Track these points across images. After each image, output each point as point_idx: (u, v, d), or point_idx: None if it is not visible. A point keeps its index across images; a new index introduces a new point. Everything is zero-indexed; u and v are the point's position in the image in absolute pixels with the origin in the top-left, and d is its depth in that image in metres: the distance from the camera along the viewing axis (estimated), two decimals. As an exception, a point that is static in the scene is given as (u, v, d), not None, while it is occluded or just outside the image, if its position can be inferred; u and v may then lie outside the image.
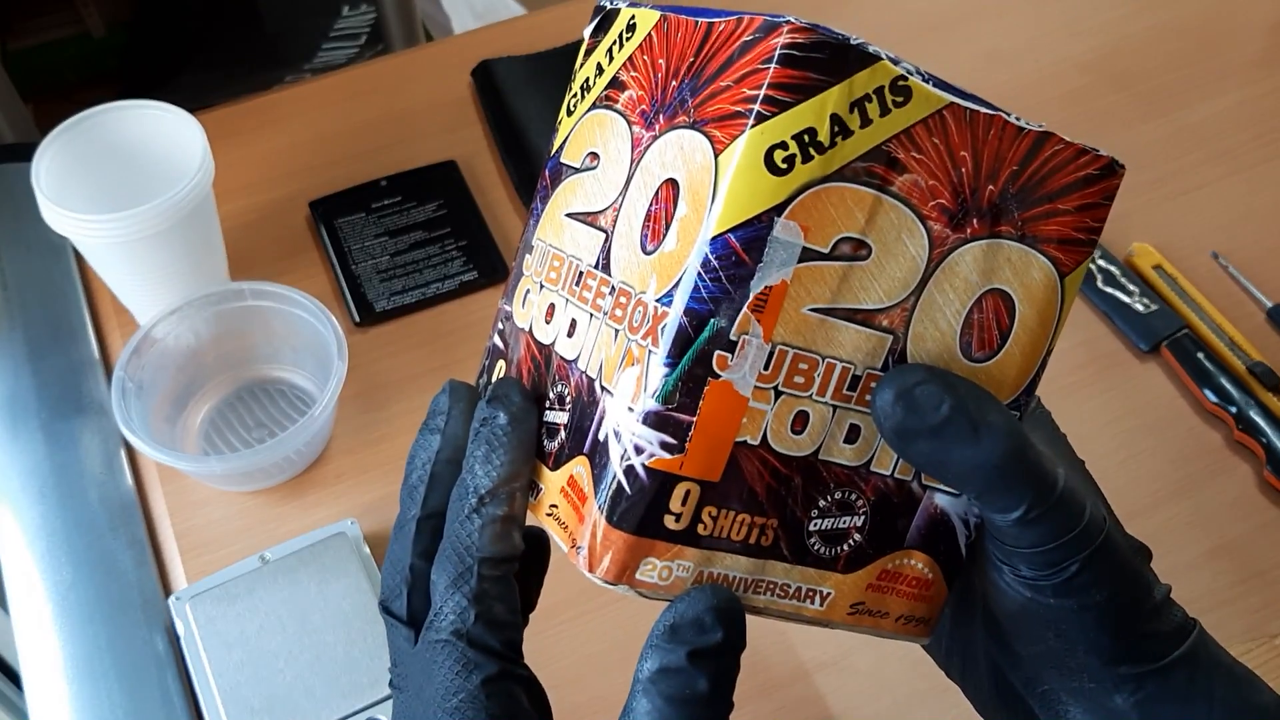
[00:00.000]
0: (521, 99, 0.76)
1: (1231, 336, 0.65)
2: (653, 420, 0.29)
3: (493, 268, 0.69)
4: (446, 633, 0.30)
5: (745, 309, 0.28)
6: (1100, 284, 0.67)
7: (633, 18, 0.33)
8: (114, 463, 0.61)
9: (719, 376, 0.29)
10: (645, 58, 0.32)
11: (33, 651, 0.55)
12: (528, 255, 0.36)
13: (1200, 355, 0.64)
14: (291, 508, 0.60)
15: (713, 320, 0.28)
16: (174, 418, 0.62)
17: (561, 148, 0.35)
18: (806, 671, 0.54)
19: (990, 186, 0.30)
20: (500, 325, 0.36)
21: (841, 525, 0.32)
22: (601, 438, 0.30)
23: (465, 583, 0.30)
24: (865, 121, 0.28)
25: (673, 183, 0.30)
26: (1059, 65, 0.80)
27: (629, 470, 0.29)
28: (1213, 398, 0.63)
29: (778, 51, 0.27)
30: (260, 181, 0.74)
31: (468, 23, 1.58)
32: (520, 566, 0.32)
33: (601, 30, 0.34)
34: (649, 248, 0.30)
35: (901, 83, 0.28)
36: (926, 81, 0.29)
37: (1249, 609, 0.56)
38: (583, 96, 0.35)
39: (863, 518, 0.32)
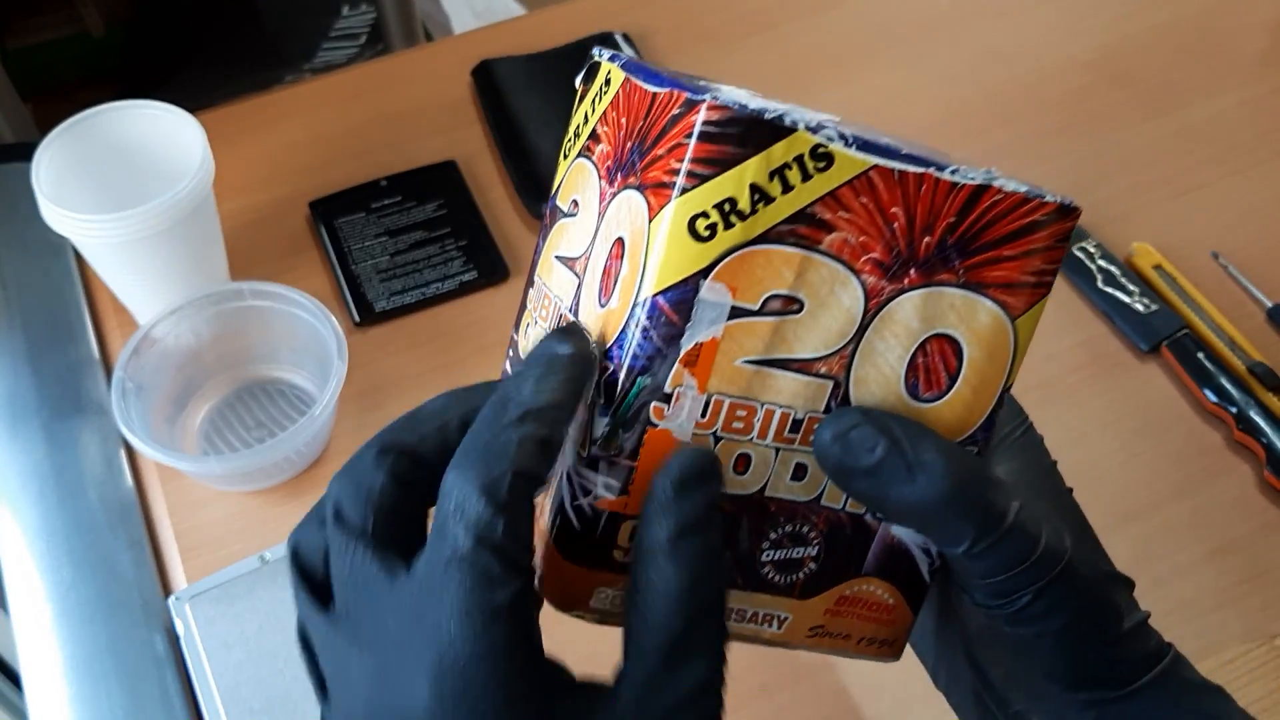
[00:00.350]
0: (521, 99, 0.76)
1: (1231, 336, 0.65)
2: (597, 465, 0.31)
3: (492, 267, 0.69)
4: (468, 542, 0.25)
5: (678, 364, 0.30)
6: (1100, 284, 0.67)
7: (609, 73, 0.35)
8: (114, 463, 0.61)
9: (656, 425, 0.30)
10: (613, 114, 0.34)
11: (32, 651, 0.55)
12: (530, 290, 0.38)
13: (1200, 355, 0.64)
14: (291, 508, 0.60)
15: (649, 375, 0.30)
16: (174, 418, 0.62)
17: (557, 190, 0.37)
18: (807, 672, 0.54)
19: (927, 239, 0.31)
20: (510, 354, 0.39)
21: (795, 555, 0.34)
22: (557, 476, 0.32)
23: (497, 491, 0.26)
24: (787, 188, 0.30)
25: (620, 241, 0.32)
26: (1059, 65, 0.80)
27: (577, 509, 0.31)
28: (1213, 398, 0.63)
29: (696, 128, 0.29)
30: (260, 181, 0.74)
31: (468, 22, 1.58)
32: None
33: (589, 79, 0.36)
34: (602, 301, 0.32)
35: (821, 149, 0.30)
36: (849, 146, 0.30)
37: (1249, 609, 0.56)
38: (574, 142, 0.36)
39: (816, 548, 0.34)
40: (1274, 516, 0.59)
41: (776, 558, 0.33)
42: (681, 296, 0.30)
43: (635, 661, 0.27)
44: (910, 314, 0.32)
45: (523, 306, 0.38)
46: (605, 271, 0.32)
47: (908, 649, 0.37)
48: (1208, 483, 0.61)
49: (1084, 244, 0.69)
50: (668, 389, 0.30)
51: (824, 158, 0.30)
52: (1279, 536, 0.59)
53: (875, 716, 0.53)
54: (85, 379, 0.64)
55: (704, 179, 0.29)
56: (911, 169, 0.31)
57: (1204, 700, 0.32)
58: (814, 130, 0.29)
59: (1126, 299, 0.66)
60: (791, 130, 0.29)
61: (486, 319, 0.67)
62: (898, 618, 0.35)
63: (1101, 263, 0.68)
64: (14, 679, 0.84)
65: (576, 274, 0.34)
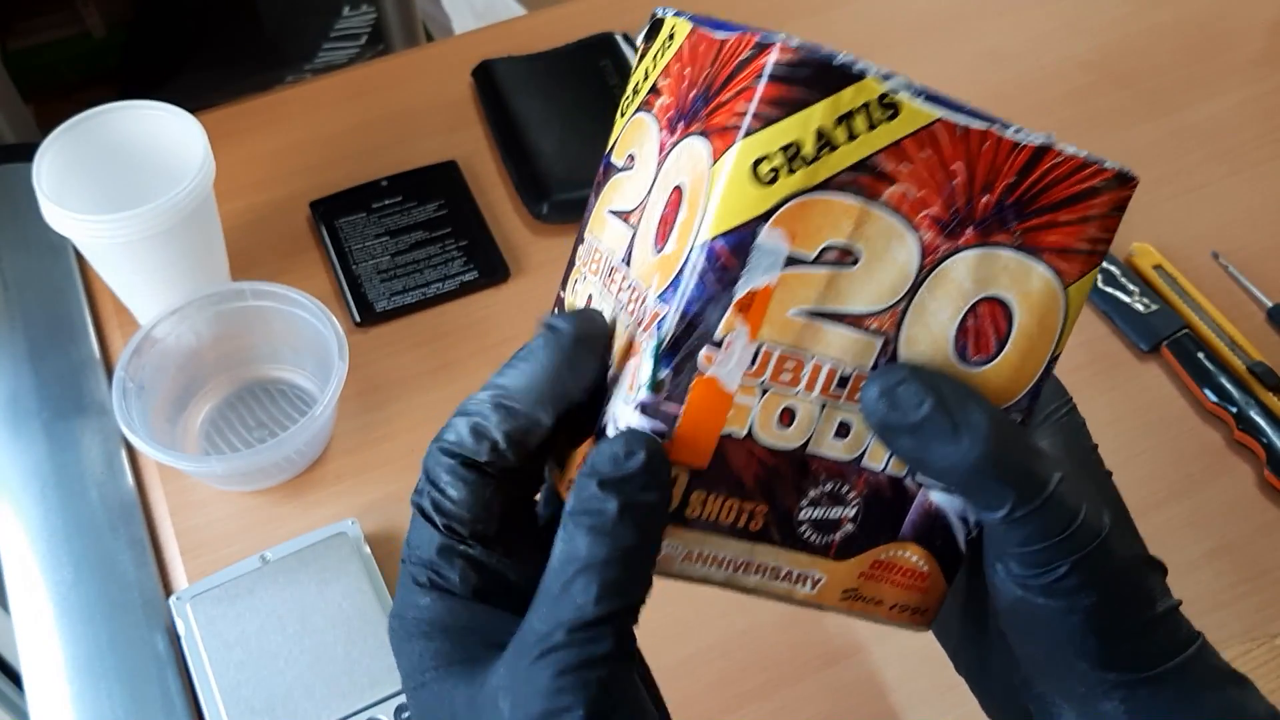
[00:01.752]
0: (522, 99, 0.76)
1: (1231, 336, 0.65)
2: (643, 408, 0.30)
3: (493, 267, 0.69)
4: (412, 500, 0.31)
5: (731, 310, 0.30)
6: (1100, 284, 0.67)
7: (673, 27, 0.35)
8: (115, 462, 0.61)
9: (705, 372, 0.30)
10: (677, 66, 0.34)
11: (33, 651, 0.55)
12: (579, 246, 0.38)
13: (1200, 355, 0.64)
14: (292, 508, 0.60)
15: (701, 319, 0.30)
16: (175, 417, 0.62)
17: (612, 148, 0.37)
18: (807, 671, 0.54)
19: (986, 197, 0.31)
20: (554, 311, 0.39)
21: (832, 515, 0.34)
22: (604, 424, 0.32)
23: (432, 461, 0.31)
24: (851, 136, 0.30)
25: (679, 189, 0.31)
26: (1060, 64, 0.80)
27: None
28: (1213, 398, 0.63)
29: (767, 69, 0.29)
30: (261, 181, 0.74)
31: (468, 23, 1.58)
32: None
33: (651, 36, 0.36)
34: (657, 247, 0.32)
35: (888, 99, 0.30)
36: (917, 96, 0.30)
37: (1249, 609, 0.56)
38: (632, 99, 0.36)
39: (855, 509, 0.33)
40: (1274, 516, 0.59)
41: (814, 516, 0.33)
42: (739, 240, 0.30)
43: (532, 618, 0.29)
44: (964, 274, 0.32)
45: (571, 264, 0.38)
46: (662, 219, 0.32)
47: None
48: (1208, 483, 0.61)
49: (1084, 244, 0.69)
50: (718, 335, 0.30)
51: (890, 107, 0.30)
52: (1279, 536, 0.59)
53: (875, 716, 0.53)
54: (86, 379, 0.64)
55: (770, 121, 0.29)
56: (975, 124, 0.31)
57: (1229, 688, 0.32)
58: (884, 78, 0.29)
59: (1126, 299, 0.66)
60: (860, 77, 0.29)
61: (487, 319, 0.67)
62: (931, 586, 0.35)
63: (1102, 262, 0.68)
64: (15, 679, 0.85)
65: (630, 225, 0.34)
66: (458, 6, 1.60)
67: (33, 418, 0.63)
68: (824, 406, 0.32)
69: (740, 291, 0.30)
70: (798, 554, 0.33)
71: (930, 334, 0.32)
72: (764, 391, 0.31)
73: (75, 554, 0.58)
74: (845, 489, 0.33)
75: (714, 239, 0.30)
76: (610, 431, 0.31)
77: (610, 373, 0.32)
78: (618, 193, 0.36)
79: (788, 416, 0.32)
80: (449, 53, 0.82)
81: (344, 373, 0.57)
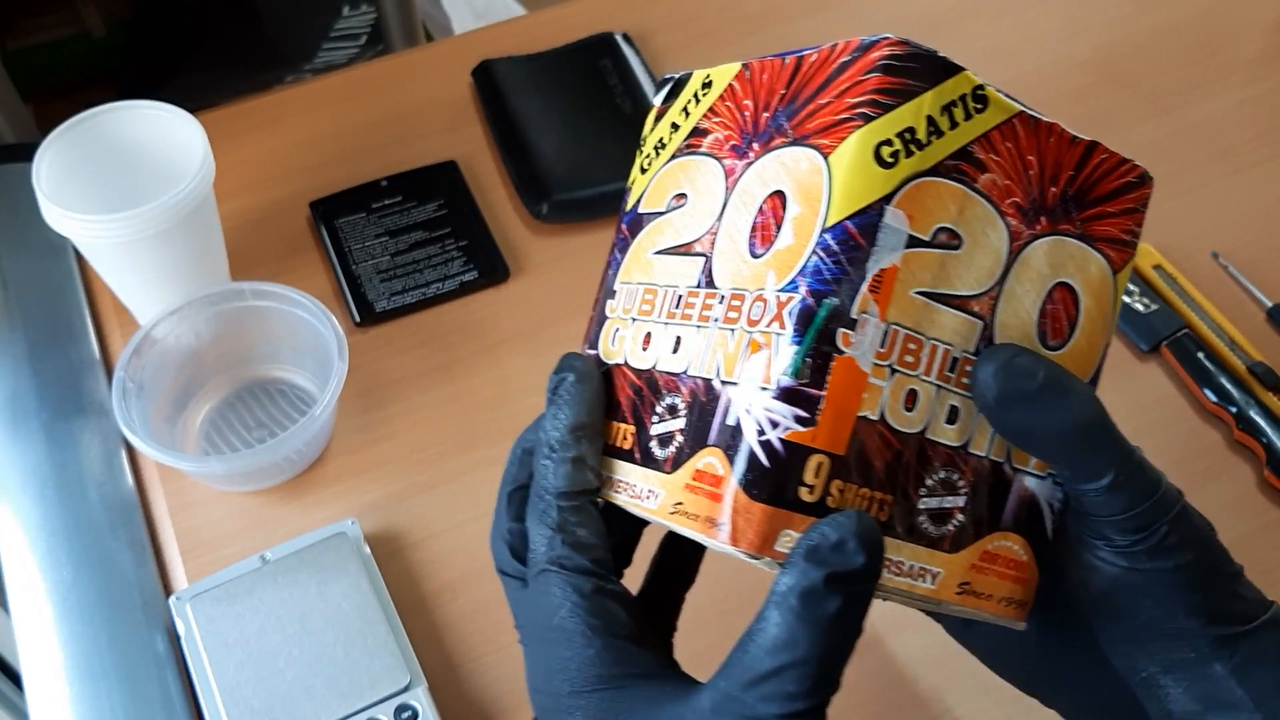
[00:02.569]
0: (522, 99, 0.76)
1: (1231, 336, 0.65)
2: (785, 395, 0.31)
3: (492, 267, 0.69)
4: (542, 563, 0.34)
5: (864, 288, 0.31)
6: (1100, 284, 0.67)
7: (708, 77, 0.37)
8: (114, 463, 0.61)
9: (843, 352, 0.31)
10: (729, 103, 0.36)
11: (33, 651, 0.55)
12: (610, 300, 0.40)
13: (1200, 355, 0.64)
14: (292, 508, 0.60)
15: (835, 299, 0.31)
16: (174, 418, 0.62)
17: (639, 201, 0.39)
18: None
19: (1053, 188, 0.34)
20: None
21: (946, 505, 0.35)
22: (732, 422, 0.33)
23: (548, 517, 0.34)
24: (953, 124, 0.32)
25: (779, 193, 0.33)
26: (1060, 64, 0.80)
27: (765, 444, 0.31)
28: (1213, 398, 0.63)
29: (879, 62, 0.32)
30: (261, 182, 0.74)
31: (468, 23, 1.58)
32: (661, 581, 0.38)
33: (672, 97, 0.39)
34: (758, 252, 0.33)
35: (980, 91, 0.32)
36: (998, 91, 0.32)
37: (1249, 609, 0.56)
38: (657, 154, 0.39)
39: (964, 498, 0.35)
40: (1274, 516, 0.59)
41: (931, 506, 0.34)
42: (867, 220, 0.31)
43: (724, 678, 0.30)
44: (1041, 260, 0.34)
45: (598, 321, 0.40)
46: (758, 227, 0.33)
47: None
48: (1208, 483, 0.61)
49: (1084, 244, 0.69)
50: (854, 314, 0.31)
51: (981, 100, 0.32)
52: (1278, 536, 0.59)
53: (874, 715, 0.53)
54: (86, 379, 0.64)
55: (887, 108, 0.31)
56: (1045, 118, 0.33)
57: None
58: (975, 74, 0.32)
59: (1127, 299, 0.66)
60: (959, 70, 0.32)
61: (487, 319, 0.67)
62: (1029, 575, 0.36)
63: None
64: (15, 679, 0.84)
65: (698, 254, 0.36)
66: (457, 6, 1.60)
67: (32, 418, 0.63)
68: (939, 389, 0.33)
69: (872, 270, 0.31)
70: (918, 547, 0.34)
71: (1018, 319, 0.34)
72: (892, 373, 0.32)
73: (75, 554, 0.58)
74: (955, 476, 0.34)
75: (842, 220, 0.31)
76: (746, 426, 0.32)
77: (717, 376, 0.33)
78: (665, 233, 0.37)
79: (911, 399, 0.33)
80: (449, 53, 0.82)
81: (344, 373, 0.57)
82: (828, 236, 0.31)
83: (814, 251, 0.31)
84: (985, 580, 0.36)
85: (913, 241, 0.32)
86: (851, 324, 0.31)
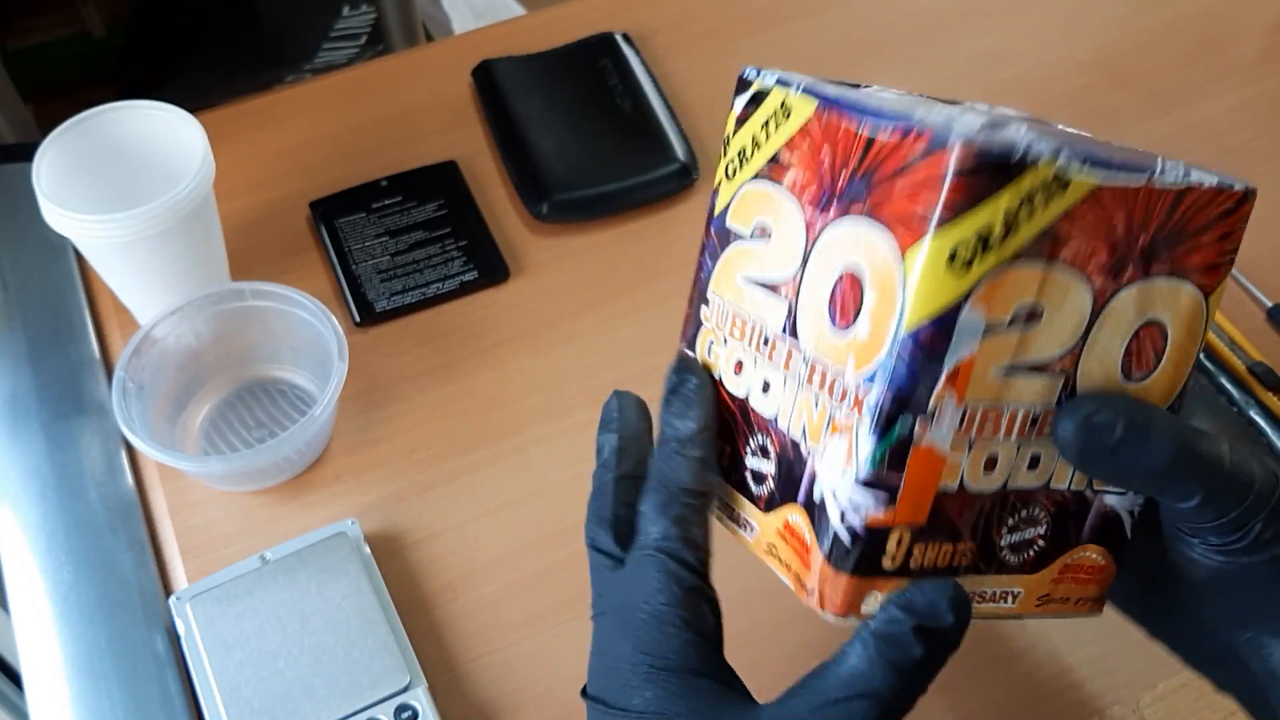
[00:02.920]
0: (522, 99, 0.76)
1: (1231, 336, 0.65)
2: (866, 483, 0.33)
3: (493, 267, 0.69)
4: (652, 548, 0.36)
5: (941, 381, 0.33)
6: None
7: (786, 101, 0.37)
8: (114, 463, 0.61)
9: (920, 442, 0.33)
10: (807, 144, 0.36)
11: (33, 651, 0.55)
12: (704, 306, 0.40)
13: (1200, 355, 0.64)
14: (292, 508, 0.60)
15: (913, 396, 0.33)
16: (174, 418, 0.62)
17: (726, 210, 0.40)
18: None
19: (1142, 238, 0.34)
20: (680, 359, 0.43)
21: (1027, 536, 0.37)
22: (818, 498, 0.35)
23: (670, 508, 0.36)
24: (1032, 213, 0.32)
25: (855, 270, 0.34)
26: (1060, 64, 0.80)
27: (849, 528, 0.34)
28: (1213, 397, 0.63)
29: (950, 169, 0.31)
30: (261, 181, 0.74)
31: (468, 23, 1.58)
32: None
33: (754, 104, 0.38)
34: (839, 325, 0.34)
35: (1060, 177, 0.32)
36: (1083, 165, 0.32)
37: (1249, 609, 0.56)
38: (741, 164, 0.39)
39: (1045, 526, 0.37)
40: (1274, 516, 0.59)
41: (1013, 541, 0.37)
42: (942, 324, 0.32)
43: (794, 699, 0.33)
44: (1128, 307, 0.35)
45: (695, 322, 0.41)
46: (838, 301, 0.34)
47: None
48: (1208, 482, 0.61)
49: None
50: (930, 407, 0.33)
51: (1062, 183, 0.32)
52: (1279, 536, 0.59)
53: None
54: (86, 379, 0.64)
55: (960, 212, 0.31)
56: (1131, 183, 0.33)
57: None
58: (1054, 155, 0.31)
59: (1127, 299, 0.66)
60: (1035, 162, 0.31)
61: (487, 319, 0.67)
62: (1107, 575, 0.39)
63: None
64: (15, 679, 0.84)
65: (784, 298, 0.37)
66: (457, 6, 1.60)
67: (32, 418, 0.63)
68: (1019, 446, 0.35)
69: (948, 366, 0.32)
70: (1000, 576, 0.37)
71: (1103, 365, 0.35)
72: (970, 446, 0.34)
73: (75, 554, 0.58)
74: (1037, 510, 0.37)
75: (918, 326, 0.32)
76: (830, 507, 0.34)
77: (804, 440, 0.36)
78: (753, 262, 0.38)
79: (991, 463, 0.35)
80: (449, 53, 0.82)
81: (344, 373, 0.57)
82: (904, 339, 0.32)
83: (894, 350, 0.32)
84: (1064, 588, 0.39)
85: (990, 329, 0.32)
86: (929, 415, 0.33)
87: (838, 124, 0.35)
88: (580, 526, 0.59)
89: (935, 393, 0.32)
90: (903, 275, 0.32)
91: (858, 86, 0.38)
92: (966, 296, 0.32)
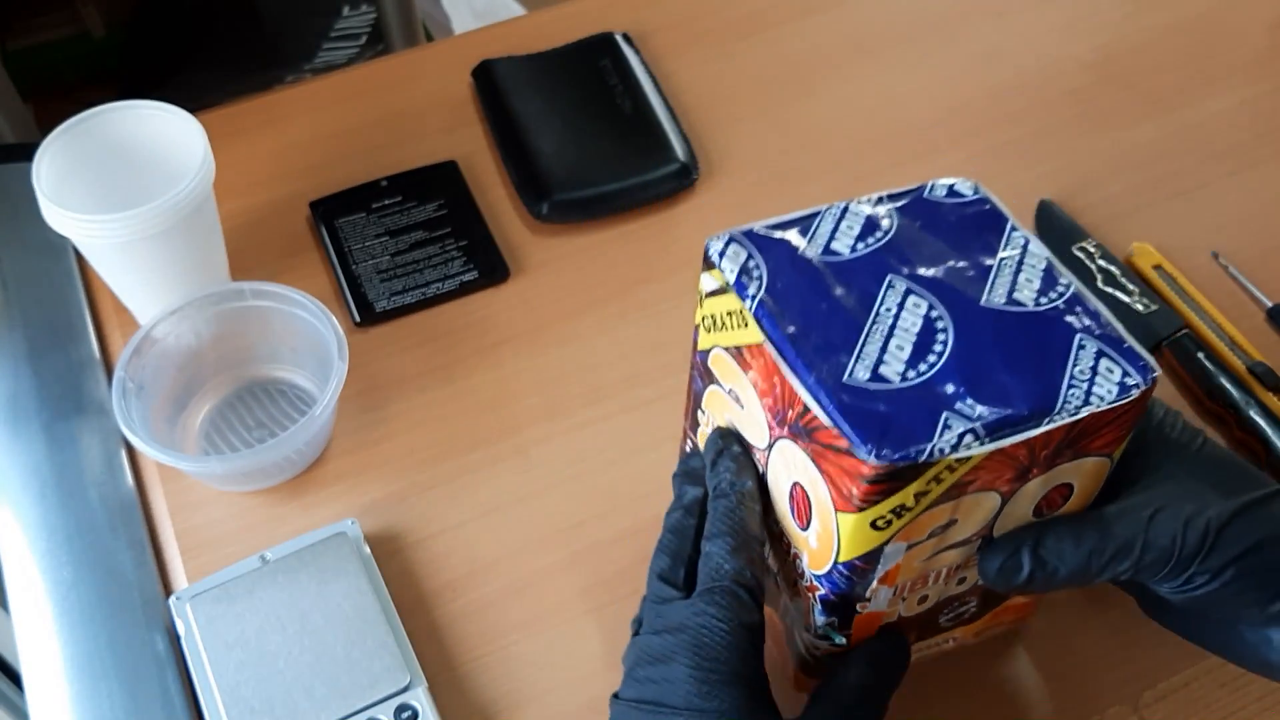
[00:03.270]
0: (522, 99, 0.76)
1: (1232, 336, 0.65)
2: (819, 636, 0.45)
3: (493, 268, 0.69)
4: (729, 581, 0.41)
5: (874, 583, 0.41)
6: (1100, 284, 0.67)
7: (742, 312, 0.41)
8: (114, 463, 0.61)
9: (862, 612, 0.43)
10: (761, 363, 0.41)
11: (33, 651, 0.55)
12: (699, 413, 0.48)
13: (1200, 355, 0.64)
14: (292, 508, 0.60)
15: (851, 593, 0.41)
16: (174, 418, 0.62)
17: (707, 354, 0.45)
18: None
19: (1045, 452, 0.38)
20: (686, 442, 0.51)
21: (961, 611, 0.47)
22: (788, 639, 0.48)
23: (742, 552, 0.42)
24: (940, 482, 0.37)
25: (805, 488, 0.40)
26: (1060, 64, 0.80)
27: (813, 655, 0.46)
28: (1213, 398, 0.63)
29: (865, 476, 0.36)
30: (261, 181, 0.74)
31: (468, 23, 1.58)
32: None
33: (719, 292, 0.43)
34: (798, 522, 0.42)
35: (964, 458, 0.37)
36: (981, 440, 0.37)
37: (1249, 609, 0.56)
38: (713, 328, 0.44)
39: (975, 601, 0.47)
40: (1274, 516, 0.59)
41: (948, 616, 0.47)
42: (870, 557, 0.39)
43: (819, 706, 0.43)
44: (1036, 489, 0.40)
45: (696, 405, 0.48)
46: (794, 499, 0.41)
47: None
48: (1208, 482, 0.61)
49: (1084, 244, 0.69)
50: (867, 596, 0.41)
51: (966, 460, 0.37)
52: (1279, 536, 0.59)
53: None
54: (86, 379, 0.64)
55: (875, 501, 0.37)
56: (1029, 435, 0.37)
57: None
58: (954, 447, 0.36)
59: (1126, 299, 0.67)
60: (940, 458, 0.36)
61: (487, 319, 0.67)
62: (1033, 603, 0.51)
63: (1101, 262, 0.68)
64: (15, 678, 0.84)
65: (759, 458, 0.43)
66: (457, 6, 1.60)
67: (32, 418, 0.63)
68: (947, 580, 0.44)
69: (878, 574, 0.40)
70: (941, 634, 0.49)
71: (1014, 520, 0.41)
72: (904, 599, 0.43)
73: (75, 554, 0.58)
74: (968, 597, 0.46)
75: (851, 560, 0.39)
76: (795, 639, 0.47)
77: (778, 577, 0.46)
78: (733, 415, 0.44)
79: (924, 599, 0.44)
80: (449, 53, 0.82)
81: (344, 373, 0.57)
82: (841, 565, 0.40)
83: (832, 571, 0.40)
84: (999, 619, 0.50)
85: (911, 546, 0.40)
86: (867, 599, 0.42)
87: (778, 370, 0.39)
88: (582, 525, 0.59)
89: (870, 589, 0.41)
90: (837, 524, 0.39)
91: (813, 225, 0.42)
92: (889, 540, 0.39)
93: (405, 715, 0.51)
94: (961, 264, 0.41)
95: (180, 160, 0.59)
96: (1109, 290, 0.67)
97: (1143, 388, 0.38)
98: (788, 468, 0.41)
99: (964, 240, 0.42)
